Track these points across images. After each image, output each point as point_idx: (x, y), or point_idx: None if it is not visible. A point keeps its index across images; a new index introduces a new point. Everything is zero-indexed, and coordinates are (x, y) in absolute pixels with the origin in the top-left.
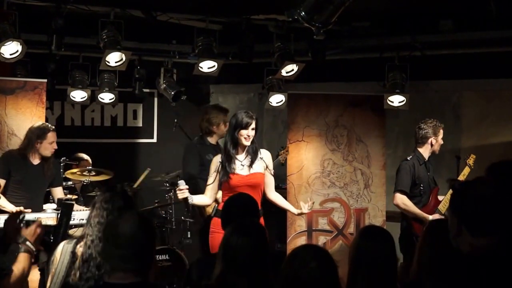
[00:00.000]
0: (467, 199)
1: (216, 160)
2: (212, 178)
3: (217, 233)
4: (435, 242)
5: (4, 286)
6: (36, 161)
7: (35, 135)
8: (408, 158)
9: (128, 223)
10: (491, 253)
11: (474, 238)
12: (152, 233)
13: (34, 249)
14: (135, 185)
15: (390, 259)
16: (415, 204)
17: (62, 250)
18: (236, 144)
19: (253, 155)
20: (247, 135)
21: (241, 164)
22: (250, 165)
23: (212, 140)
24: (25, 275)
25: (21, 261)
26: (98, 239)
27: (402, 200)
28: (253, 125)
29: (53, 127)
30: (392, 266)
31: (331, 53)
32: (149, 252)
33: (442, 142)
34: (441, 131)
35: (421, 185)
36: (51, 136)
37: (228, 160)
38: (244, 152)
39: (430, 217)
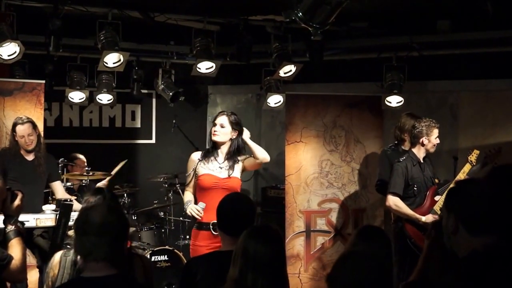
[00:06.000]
0: (466, 197)
1: (195, 158)
2: (190, 177)
3: (198, 247)
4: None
5: (9, 274)
6: (29, 157)
7: (12, 129)
8: (401, 159)
9: (97, 211)
10: (489, 253)
11: (472, 238)
12: (123, 221)
13: (23, 226)
14: (112, 173)
15: (387, 259)
16: (409, 205)
17: (61, 263)
18: (215, 146)
19: (233, 160)
20: (214, 130)
21: (219, 167)
22: (229, 169)
23: (406, 147)
24: (24, 258)
25: (16, 246)
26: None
27: (394, 201)
28: (221, 121)
29: (27, 119)
30: (389, 266)
31: (329, 53)
32: (120, 240)
33: (437, 142)
34: (435, 130)
35: (415, 186)
36: (19, 130)
37: (206, 160)
38: (225, 154)
39: (423, 218)
